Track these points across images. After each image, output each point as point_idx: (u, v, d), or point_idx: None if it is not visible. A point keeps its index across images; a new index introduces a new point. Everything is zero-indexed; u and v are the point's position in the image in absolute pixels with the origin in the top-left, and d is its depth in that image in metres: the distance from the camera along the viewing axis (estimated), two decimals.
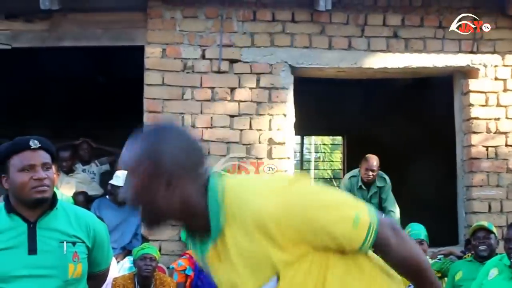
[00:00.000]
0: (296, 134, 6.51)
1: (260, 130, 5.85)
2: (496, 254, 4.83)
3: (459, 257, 5.48)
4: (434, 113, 7.74)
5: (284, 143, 5.87)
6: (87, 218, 2.60)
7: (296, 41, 5.93)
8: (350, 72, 6.17)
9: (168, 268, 5.51)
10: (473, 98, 6.07)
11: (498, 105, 6.08)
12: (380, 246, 1.74)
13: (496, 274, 4.36)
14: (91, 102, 8.60)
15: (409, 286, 5.45)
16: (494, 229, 5.06)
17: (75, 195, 6.16)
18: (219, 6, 5.90)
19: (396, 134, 8.53)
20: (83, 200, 6.11)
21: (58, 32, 5.96)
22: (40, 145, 2.45)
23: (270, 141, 5.85)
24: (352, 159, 8.50)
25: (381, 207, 6.35)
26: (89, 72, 8.11)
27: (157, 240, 5.62)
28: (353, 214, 1.70)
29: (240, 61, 5.89)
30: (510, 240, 4.31)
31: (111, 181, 5.95)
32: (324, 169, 19.16)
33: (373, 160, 6.37)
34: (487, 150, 6.03)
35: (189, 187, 1.72)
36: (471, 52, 6.08)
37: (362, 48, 5.99)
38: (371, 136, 8.39)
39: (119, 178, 5.85)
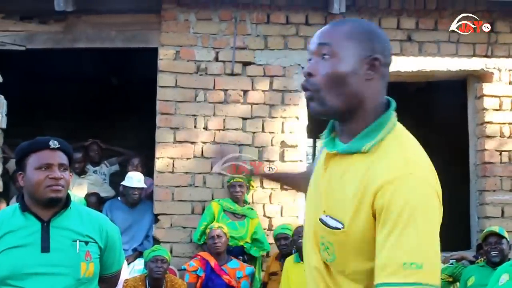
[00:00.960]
0: (309, 137, 6.50)
1: (272, 132, 5.85)
2: (509, 259, 4.80)
3: (471, 262, 5.45)
4: (446, 117, 7.70)
5: (296, 146, 5.87)
6: (100, 219, 2.63)
7: None
8: None
9: (179, 269, 5.50)
10: (487, 102, 6.04)
11: None
12: None
13: (507, 280, 4.31)
14: (104, 103, 8.64)
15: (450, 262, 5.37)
16: (506, 234, 5.02)
17: (87, 197, 6.16)
18: (233, 8, 5.90)
19: None
20: (96, 201, 6.10)
21: (72, 33, 5.99)
22: (59, 146, 2.49)
23: (283, 144, 5.84)
24: None
25: None
26: (103, 73, 8.15)
27: (168, 242, 5.64)
28: (422, 257, 1.41)
29: (253, 63, 5.89)
30: None
31: (123, 182, 5.94)
32: None
33: None
34: (500, 154, 6.00)
35: (381, 87, 1.62)
36: (485, 56, 6.05)
37: None
38: None
39: (132, 179, 5.86)
